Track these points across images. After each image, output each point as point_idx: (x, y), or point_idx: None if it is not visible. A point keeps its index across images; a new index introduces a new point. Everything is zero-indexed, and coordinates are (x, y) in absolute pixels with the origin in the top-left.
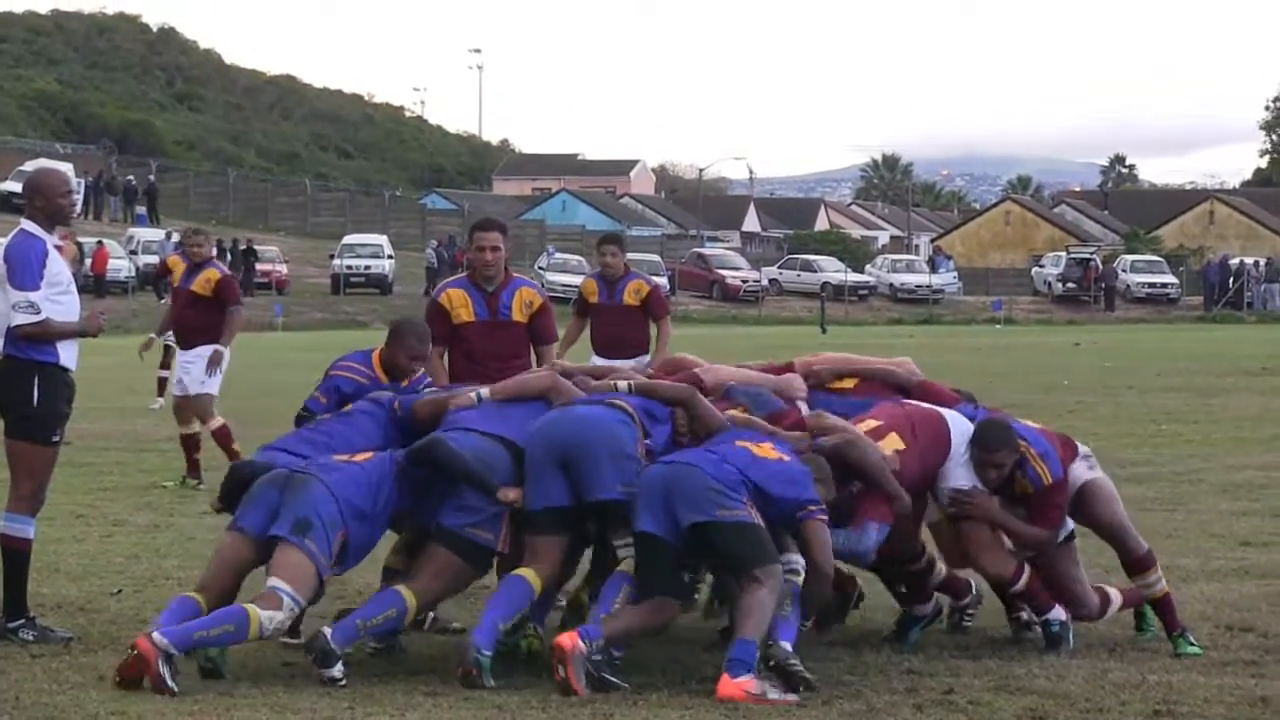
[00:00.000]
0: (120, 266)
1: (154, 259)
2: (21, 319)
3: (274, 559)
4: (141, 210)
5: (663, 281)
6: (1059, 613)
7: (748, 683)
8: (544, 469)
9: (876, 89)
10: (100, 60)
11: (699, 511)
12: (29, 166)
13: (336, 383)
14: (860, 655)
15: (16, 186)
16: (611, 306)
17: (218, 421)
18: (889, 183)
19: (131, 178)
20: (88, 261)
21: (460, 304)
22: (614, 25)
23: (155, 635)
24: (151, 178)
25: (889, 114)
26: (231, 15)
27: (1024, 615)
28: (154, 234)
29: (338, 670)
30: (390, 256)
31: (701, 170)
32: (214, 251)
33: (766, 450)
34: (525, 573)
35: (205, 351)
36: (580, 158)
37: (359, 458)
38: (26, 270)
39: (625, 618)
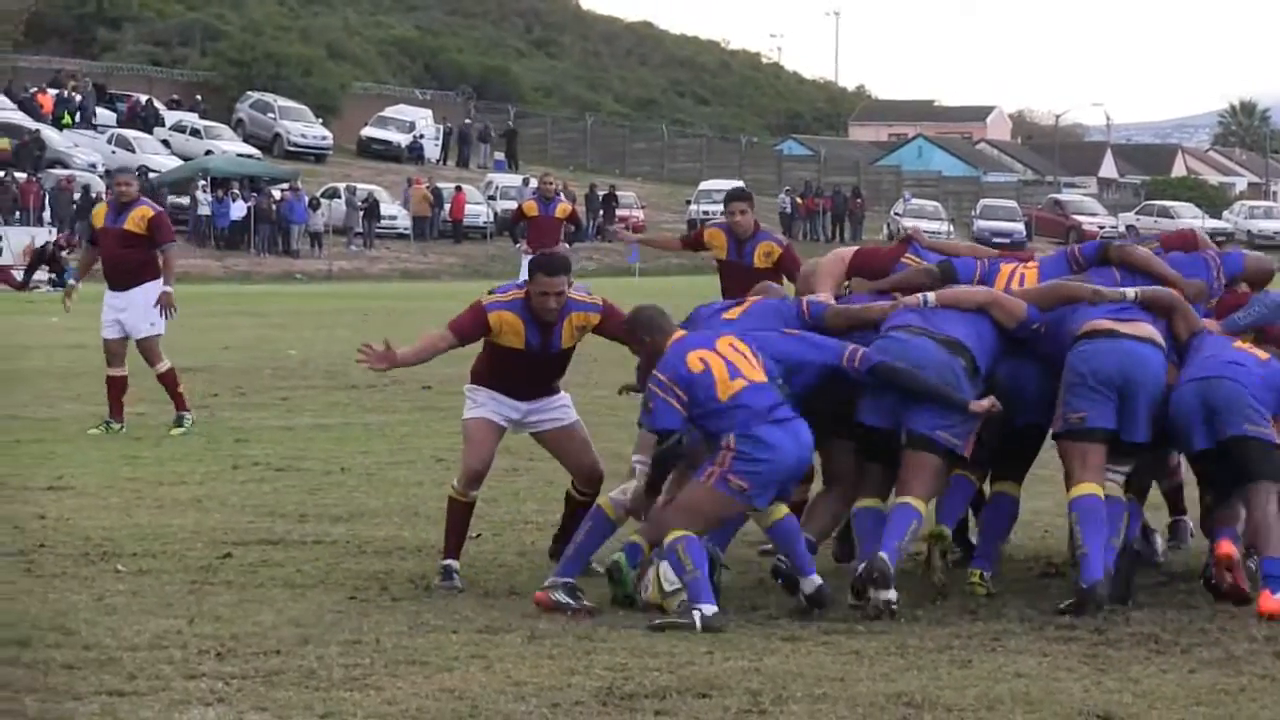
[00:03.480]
0: (478, 212)
1: (511, 204)
2: None
3: None
4: (500, 156)
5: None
6: None
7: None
8: (1103, 390)
9: (1236, 34)
10: (459, 7)
11: (1232, 425)
12: (389, 112)
13: None
14: (1217, 603)
15: (377, 132)
16: (740, 266)
17: (165, 364)
18: (1247, 129)
19: (467, 121)
20: (446, 207)
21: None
22: None
23: (547, 582)
24: (510, 124)
25: (1248, 60)
26: None
27: None
28: (512, 180)
29: (893, 593)
30: None
31: (1058, 116)
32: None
33: (1261, 354)
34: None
35: (145, 292)
36: (936, 103)
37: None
38: None
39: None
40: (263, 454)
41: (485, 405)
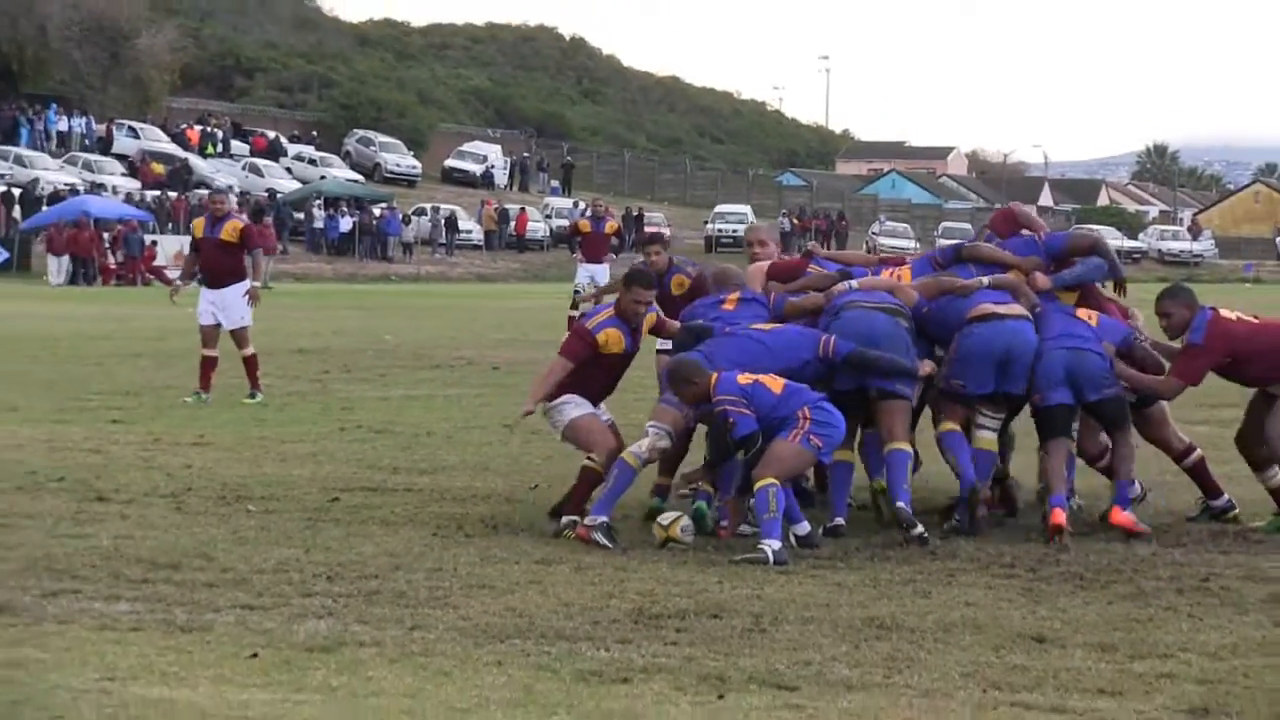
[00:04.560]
0: (537, 228)
1: (564, 222)
2: None
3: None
4: (555, 183)
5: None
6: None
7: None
8: (985, 364)
9: (1151, 89)
10: (524, 63)
11: (1096, 390)
12: (467, 147)
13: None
14: (1132, 548)
15: (457, 163)
16: (661, 295)
17: (251, 350)
18: (1159, 167)
19: (527, 155)
20: (511, 224)
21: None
22: (936, 31)
23: (587, 520)
24: (569, 158)
25: (1161, 110)
26: (630, 27)
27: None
28: (565, 202)
29: (920, 527)
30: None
31: (1006, 155)
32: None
33: (1092, 320)
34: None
35: (239, 290)
36: (906, 144)
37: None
38: None
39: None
40: (364, 419)
41: (582, 404)
